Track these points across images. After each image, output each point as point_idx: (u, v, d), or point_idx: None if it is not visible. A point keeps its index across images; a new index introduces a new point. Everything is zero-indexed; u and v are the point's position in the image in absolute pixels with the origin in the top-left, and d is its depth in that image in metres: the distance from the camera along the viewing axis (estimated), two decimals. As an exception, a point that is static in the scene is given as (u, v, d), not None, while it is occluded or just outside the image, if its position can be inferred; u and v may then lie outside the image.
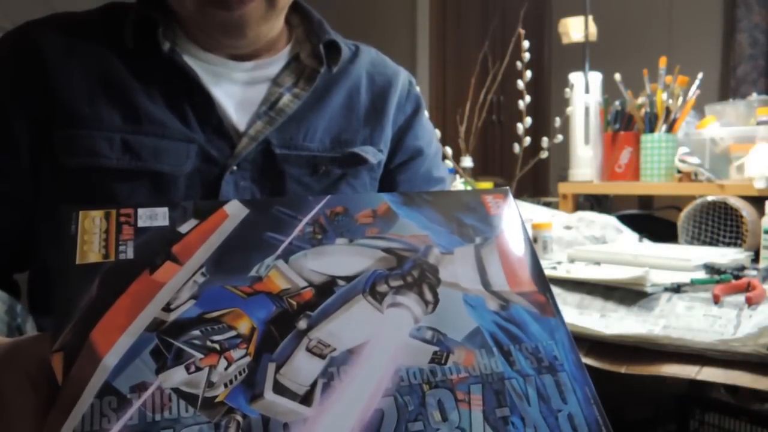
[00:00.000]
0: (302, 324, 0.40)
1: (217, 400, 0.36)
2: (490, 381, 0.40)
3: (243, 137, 0.70)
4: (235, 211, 0.44)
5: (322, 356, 0.38)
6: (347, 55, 0.79)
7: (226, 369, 0.37)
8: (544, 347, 0.43)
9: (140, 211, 0.43)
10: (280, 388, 0.37)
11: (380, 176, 0.81)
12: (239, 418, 0.35)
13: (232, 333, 0.38)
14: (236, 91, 0.72)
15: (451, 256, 0.46)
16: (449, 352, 0.40)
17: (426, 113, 0.88)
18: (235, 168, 0.69)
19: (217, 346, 0.38)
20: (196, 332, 0.38)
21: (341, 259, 0.44)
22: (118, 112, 0.66)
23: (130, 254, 0.41)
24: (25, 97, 0.66)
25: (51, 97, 0.65)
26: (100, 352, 0.36)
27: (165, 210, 0.43)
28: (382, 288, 0.42)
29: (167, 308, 0.39)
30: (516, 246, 0.48)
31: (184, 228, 0.43)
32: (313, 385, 0.37)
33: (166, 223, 0.43)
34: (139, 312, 0.38)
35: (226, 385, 0.36)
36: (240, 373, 0.37)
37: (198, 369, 0.37)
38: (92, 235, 0.41)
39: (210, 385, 0.36)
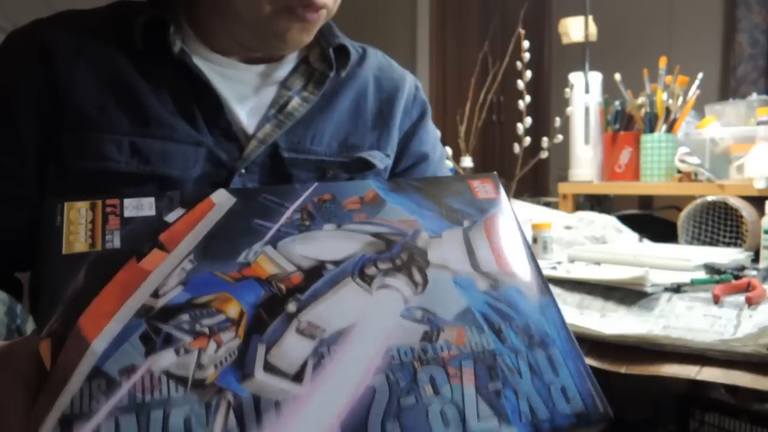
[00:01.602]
0: (291, 307, 0.40)
1: (207, 381, 0.36)
2: (481, 357, 0.40)
3: (252, 140, 0.70)
4: (222, 200, 0.45)
5: (312, 337, 0.39)
6: (355, 58, 0.79)
7: (215, 351, 0.37)
8: (535, 324, 0.43)
9: (126, 201, 0.43)
10: (270, 368, 0.37)
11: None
12: (230, 397, 0.35)
13: (221, 317, 0.39)
14: (245, 94, 0.72)
15: (440, 239, 0.46)
16: (440, 331, 0.41)
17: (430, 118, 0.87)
18: (243, 171, 0.69)
19: (206, 329, 0.38)
20: (185, 317, 0.38)
21: (329, 244, 0.44)
22: (127, 114, 0.66)
23: (117, 243, 0.41)
24: (33, 98, 0.65)
25: (60, 99, 0.65)
26: (88, 338, 0.36)
27: (151, 200, 0.43)
28: (371, 271, 0.43)
29: (155, 294, 0.39)
30: (504, 228, 0.49)
31: (170, 217, 0.43)
32: (304, 364, 0.37)
33: (152, 213, 0.43)
34: (127, 298, 0.38)
35: (216, 367, 0.36)
36: (230, 355, 0.37)
37: (187, 352, 0.37)
38: (78, 226, 0.41)
39: (200, 366, 0.36)
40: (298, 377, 0.37)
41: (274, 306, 0.40)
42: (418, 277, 0.43)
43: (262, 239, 0.43)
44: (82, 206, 0.42)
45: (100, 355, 0.36)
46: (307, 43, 0.71)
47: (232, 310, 0.39)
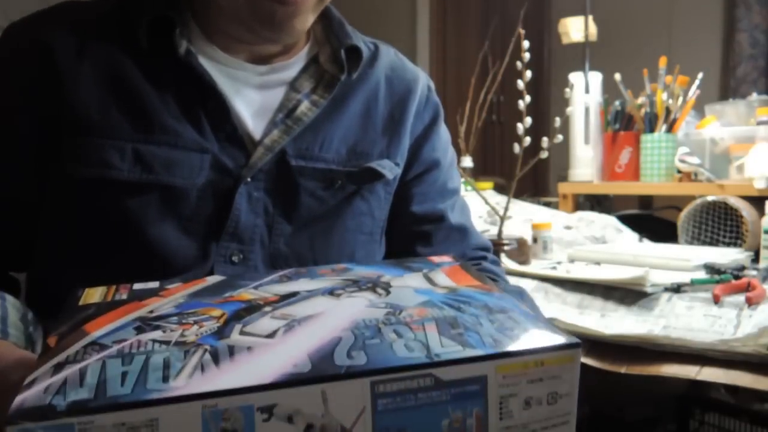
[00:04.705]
0: (267, 308, 0.46)
1: (188, 341, 0.41)
2: (442, 319, 0.44)
3: (258, 146, 0.67)
4: (214, 279, 0.54)
5: (284, 318, 0.44)
6: (367, 57, 0.76)
7: (197, 330, 0.43)
8: (495, 303, 0.47)
9: (136, 285, 0.51)
10: (245, 333, 0.42)
11: (395, 188, 0.78)
12: (207, 347, 0.40)
13: (206, 316, 0.45)
14: (252, 96, 0.69)
15: (401, 278, 0.53)
16: (402, 310, 0.46)
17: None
18: (249, 180, 0.67)
19: (191, 320, 0.44)
20: (174, 318, 0.44)
21: (304, 284, 0.52)
22: (130, 119, 0.63)
23: (125, 298, 0.49)
24: (33, 96, 0.63)
25: (60, 99, 0.62)
26: (89, 331, 0.42)
27: (156, 283, 0.52)
28: (339, 292, 0.50)
29: (150, 312, 0.46)
30: (463, 268, 0.56)
31: (170, 286, 0.52)
32: (276, 330, 0.42)
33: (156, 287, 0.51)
34: (127, 315, 0.45)
35: (196, 336, 0.41)
36: (209, 330, 0.43)
37: (173, 331, 0.42)
38: (94, 296, 0.49)
39: (183, 336, 0.41)
40: (271, 336, 0.42)
41: (252, 309, 0.46)
42: (381, 290, 0.50)
43: (246, 287, 0.51)
44: (99, 288, 0.51)
45: (97, 336, 0.41)
46: (302, 30, 0.67)
47: (216, 313, 0.45)
